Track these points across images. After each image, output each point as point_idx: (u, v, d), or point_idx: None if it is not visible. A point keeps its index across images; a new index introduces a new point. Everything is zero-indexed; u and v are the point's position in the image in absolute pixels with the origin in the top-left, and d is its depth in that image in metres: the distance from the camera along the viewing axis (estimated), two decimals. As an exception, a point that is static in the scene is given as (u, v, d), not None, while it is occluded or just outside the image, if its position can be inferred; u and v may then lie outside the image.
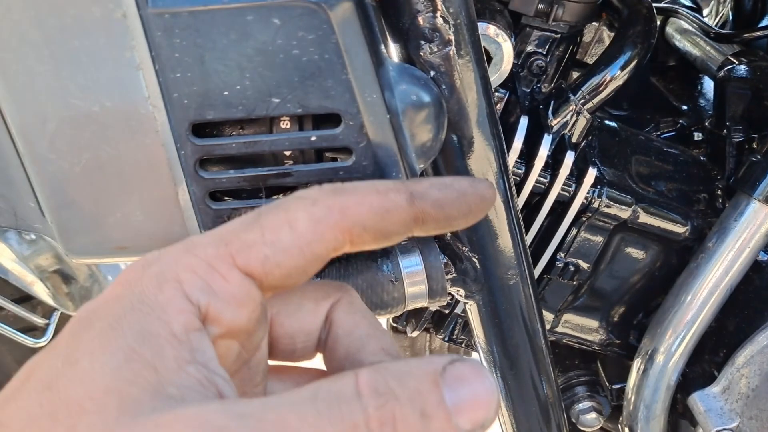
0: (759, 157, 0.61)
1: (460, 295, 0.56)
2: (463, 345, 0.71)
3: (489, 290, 0.55)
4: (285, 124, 0.42)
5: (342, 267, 0.53)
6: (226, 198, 0.44)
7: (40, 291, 0.84)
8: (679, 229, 0.64)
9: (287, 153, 0.42)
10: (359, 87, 0.40)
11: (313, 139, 0.41)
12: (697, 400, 0.64)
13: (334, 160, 0.44)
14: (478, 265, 0.54)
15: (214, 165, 0.42)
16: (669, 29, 0.84)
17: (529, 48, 0.64)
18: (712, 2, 1.00)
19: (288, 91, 0.39)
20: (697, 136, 0.75)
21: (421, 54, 0.45)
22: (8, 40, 0.36)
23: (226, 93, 0.39)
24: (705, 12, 0.99)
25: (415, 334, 0.71)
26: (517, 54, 0.64)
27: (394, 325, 0.73)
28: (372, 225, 0.35)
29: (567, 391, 0.77)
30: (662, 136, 0.76)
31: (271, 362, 0.39)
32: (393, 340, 0.38)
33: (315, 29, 0.38)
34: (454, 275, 0.54)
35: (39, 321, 0.86)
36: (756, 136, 0.66)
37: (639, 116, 0.77)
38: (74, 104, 0.37)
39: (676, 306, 0.64)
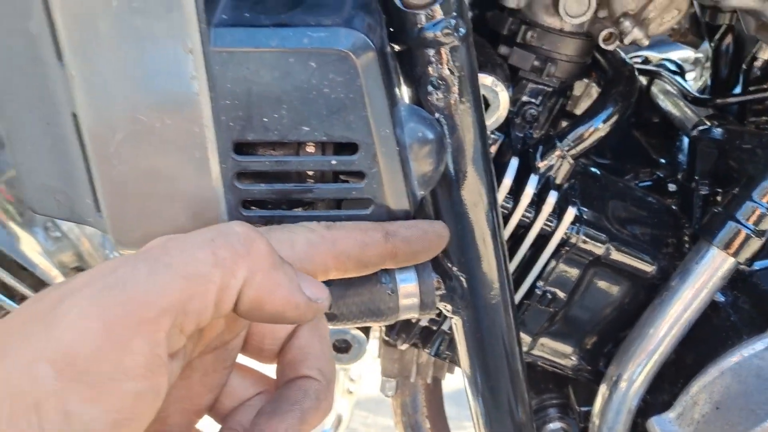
0: (720, 209, 0.69)
1: (448, 311, 0.63)
2: (447, 360, 0.78)
3: (473, 308, 0.62)
4: (310, 149, 0.50)
5: (347, 278, 0.60)
6: (253, 207, 0.51)
7: (60, 285, 0.91)
8: (647, 268, 0.72)
9: (310, 173, 0.50)
10: (375, 122, 0.48)
11: (333, 162, 0.49)
12: (654, 424, 0.71)
13: (346, 182, 0.51)
14: (465, 284, 0.61)
15: (248, 179, 0.50)
16: (654, 89, 0.93)
17: (524, 98, 0.72)
18: (697, 67, 1.10)
19: (317, 122, 0.47)
20: (671, 187, 0.83)
21: (429, 98, 0.53)
22: (95, 60, 0.43)
23: (265, 119, 0.47)
24: (690, 75, 1.09)
25: (405, 347, 0.77)
26: (513, 102, 0.73)
27: (386, 338, 0.80)
28: (355, 255, 0.47)
29: (540, 411, 0.83)
30: (640, 184, 0.84)
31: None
32: (333, 366, 0.47)
33: (343, 73, 0.46)
34: (444, 291, 0.61)
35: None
36: (720, 190, 0.74)
37: (620, 165, 0.85)
38: (141, 120, 0.45)
39: (640, 337, 0.72)
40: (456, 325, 0.65)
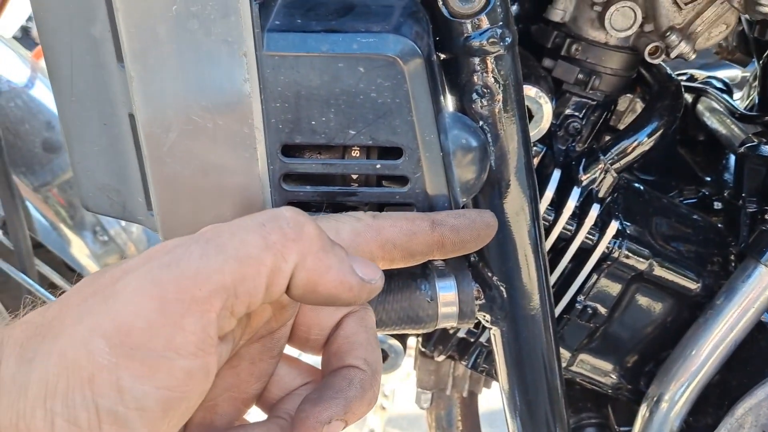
0: (768, 227, 0.68)
1: (486, 321, 0.63)
2: (484, 374, 0.77)
3: (513, 319, 0.62)
4: (355, 153, 0.50)
5: (386, 283, 0.60)
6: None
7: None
8: (691, 285, 0.71)
9: (354, 177, 0.51)
10: (420, 127, 0.49)
11: (378, 167, 0.49)
12: (697, 446, 0.69)
13: (389, 187, 0.52)
14: (505, 294, 0.61)
15: (294, 180, 0.51)
16: (700, 107, 0.92)
17: (567, 111, 0.72)
18: (745, 87, 1.08)
19: (363, 126, 0.48)
20: (717, 205, 0.81)
21: (473, 106, 0.54)
22: (154, 63, 0.45)
23: (313, 122, 0.48)
24: (737, 95, 1.07)
25: (441, 358, 0.77)
26: (557, 115, 0.73)
27: (423, 349, 0.80)
28: (401, 243, 0.46)
29: (578, 430, 0.82)
30: (684, 202, 0.82)
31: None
32: (380, 357, 0.46)
33: (391, 78, 0.47)
34: (483, 301, 0.61)
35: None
36: (768, 208, 0.72)
37: (665, 182, 0.84)
38: (194, 120, 0.47)
39: (683, 357, 0.70)
40: (494, 336, 0.65)
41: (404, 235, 0.46)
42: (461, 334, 0.74)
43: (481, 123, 0.54)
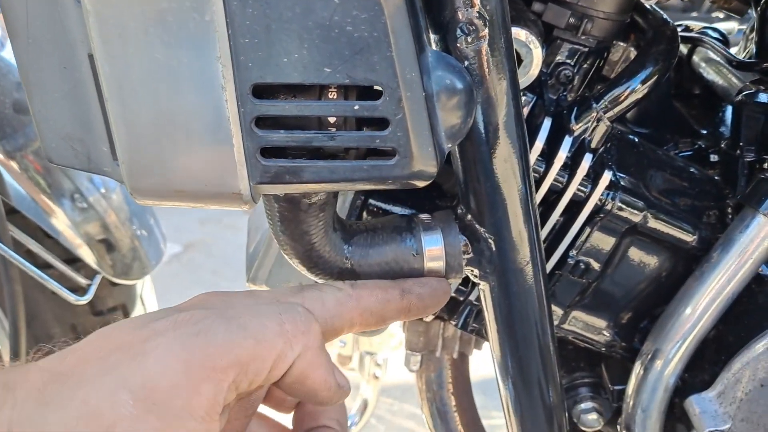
0: (767, 175, 0.65)
1: (475, 276, 0.61)
2: (474, 334, 0.75)
3: (502, 273, 0.59)
4: (332, 95, 0.47)
5: (369, 237, 0.58)
6: (279, 157, 0.49)
7: (86, 255, 0.91)
8: (687, 237, 0.68)
9: (331, 120, 0.48)
10: (401, 64, 0.45)
11: (356, 108, 0.46)
12: (693, 403, 0.67)
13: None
14: (493, 246, 0.58)
15: (267, 125, 0.48)
16: (695, 58, 0.89)
17: (559, 58, 0.69)
18: (742, 40, 1.05)
19: (339, 63, 0.45)
20: (713, 157, 0.79)
21: (458, 45, 0.51)
22: (109, -4, 0.42)
23: (285, 60, 0.45)
24: (734, 49, 1.04)
25: (430, 319, 0.75)
26: (547, 63, 0.69)
27: (411, 310, 0.77)
28: (376, 311, 0.52)
29: (571, 390, 0.80)
30: (680, 155, 0.80)
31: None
32: (346, 416, 0.53)
33: (368, 10, 0.44)
34: (471, 255, 0.59)
35: (82, 281, 0.92)
36: (767, 157, 0.70)
37: (659, 135, 0.82)
38: (157, 58, 0.44)
39: (678, 312, 0.68)
40: (483, 292, 0.62)
41: (379, 303, 0.52)
42: (450, 293, 0.72)
43: (466, 63, 0.51)
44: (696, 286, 0.67)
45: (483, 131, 0.54)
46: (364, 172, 0.49)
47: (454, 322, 0.74)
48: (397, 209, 0.73)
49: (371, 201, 0.72)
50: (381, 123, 0.48)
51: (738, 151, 0.72)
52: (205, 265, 2.62)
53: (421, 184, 0.50)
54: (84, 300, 0.89)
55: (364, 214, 0.72)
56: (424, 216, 0.60)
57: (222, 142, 0.46)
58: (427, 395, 0.82)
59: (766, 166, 0.69)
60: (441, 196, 0.73)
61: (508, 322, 0.63)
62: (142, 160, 0.47)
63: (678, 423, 0.72)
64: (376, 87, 0.46)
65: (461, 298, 0.72)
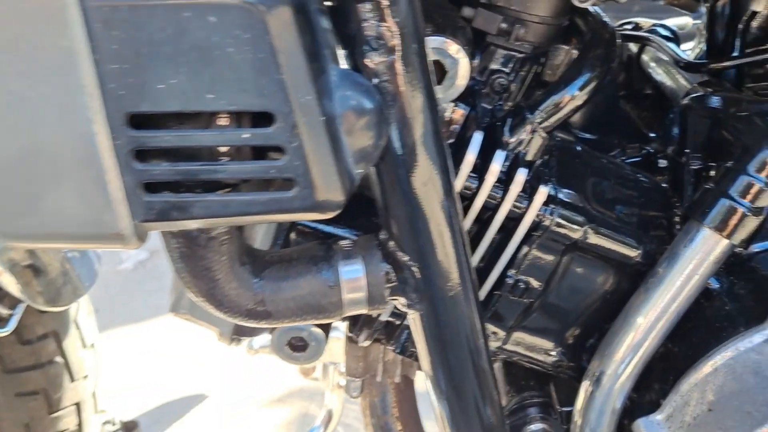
0: (712, 185, 0.62)
1: (402, 305, 0.56)
2: (413, 358, 0.71)
3: (430, 301, 0.55)
4: (223, 121, 0.43)
5: (283, 269, 0.53)
6: (165, 191, 0.44)
7: (8, 283, 0.85)
8: (631, 252, 0.65)
9: (222, 150, 0.43)
10: (293, 87, 0.41)
11: (245, 136, 0.42)
12: (641, 427, 0.64)
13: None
14: (418, 274, 0.54)
15: (154, 157, 0.43)
16: (645, 57, 0.85)
17: (493, 66, 0.65)
18: (696, 36, 1.02)
19: (222, 88, 0.40)
20: (662, 163, 0.75)
21: (366, 61, 0.46)
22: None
23: (161, 86, 0.40)
24: (689, 45, 1.01)
25: (367, 343, 0.71)
26: (481, 71, 0.65)
27: (350, 334, 0.73)
28: None
29: (520, 411, 0.77)
30: (628, 161, 0.76)
31: None
32: None
33: (250, 29, 0.39)
34: (395, 283, 0.55)
35: (3, 311, 0.87)
36: (713, 164, 0.66)
37: (607, 140, 0.78)
38: (12, 90, 0.39)
39: (624, 329, 0.64)
40: (413, 320, 0.58)
41: None
42: (386, 317, 0.68)
43: (375, 81, 0.47)
44: (641, 303, 0.63)
45: (399, 152, 0.49)
46: (261, 205, 0.44)
47: (392, 347, 0.70)
48: (329, 229, 0.68)
49: (298, 222, 0.67)
50: (277, 151, 0.43)
51: (684, 158, 0.68)
52: (170, 272, 2.56)
53: (327, 214, 0.46)
54: (4, 332, 0.84)
55: (293, 235, 0.67)
56: (345, 243, 0.56)
57: (94, 178, 0.41)
58: (371, 421, 0.79)
59: (712, 175, 0.66)
60: (371, 221, 0.69)
61: (440, 348, 0.59)
62: (6, 200, 0.42)
63: (629, 445, 0.69)
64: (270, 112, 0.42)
65: (398, 323, 0.68)
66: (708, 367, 0.61)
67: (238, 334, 0.67)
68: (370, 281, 0.53)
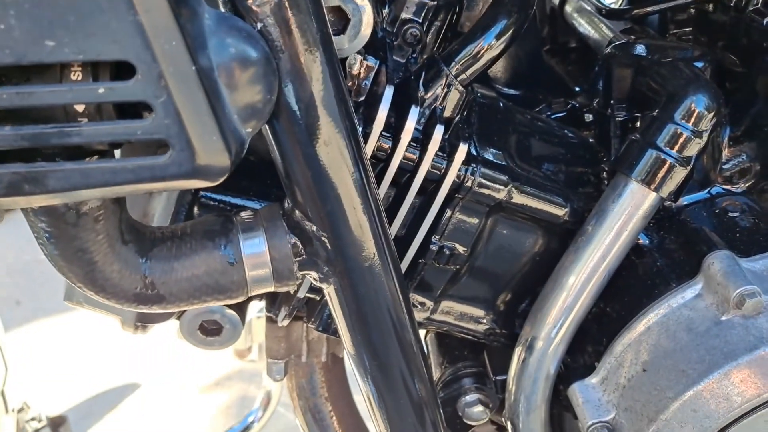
0: (638, 135, 0.59)
1: (315, 279, 0.51)
2: (338, 336, 0.66)
3: (345, 273, 0.50)
4: (76, 75, 0.36)
5: (174, 246, 0.47)
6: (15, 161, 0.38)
7: None
8: (558, 211, 0.61)
9: (79, 109, 0.37)
10: (153, 32, 0.35)
11: (100, 91, 0.35)
12: (576, 391, 0.61)
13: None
14: (328, 244, 0.49)
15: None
16: (568, 8, 0.81)
17: (405, 15, 0.60)
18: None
19: (64, 34, 0.34)
20: (588, 117, 0.72)
21: (248, 3, 0.40)
22: None
23: (-11, 33, 0.33)
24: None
25: (286, 322, 0.66)
26: (392, 21, 0.60)
27: (268, 314, 0.68)
28: None
29: (454, 383, 0.73)
30: (553, 116, 0.72)
31: None
32: None
33: (93, -41, 0.33)
34: (304, 257, 0.49)
35: None
36: (639, 115, 0.63)
37: (531, 96, 0.74)
38: None
39: (555, 291, 0.61)
40: (329, 295, 0.53)
41: None
42: (304, 293, 0.62)
43: (259, 25, 0.41)
44: (571, 263, 0.60)
45: (294, 108, 0.44)
46: (130, 173, 0.38)
47: (313, 326, 0.65)
48: (238, 201, 0.62)
49: (202, 194, 0.61)
50: (147, 110, 0.37)
51: (609, 111, 0.65)
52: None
53: (211, 181, 0.40)
54: None
55: (196, 210, 0.61)
56: (245, 214, 0.50)
57: None
58: (300, 404, 0.74)
59: (638, 125, 0.63)
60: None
61: (360, 323, 0.54)
62: None
63: (565, 412, 0.66)
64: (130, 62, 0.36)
65: (318, 298, 0.63)
66: (641, 325, 0.58)
67: (142, 320, 0.61)
68: (274, 255, 0.48)
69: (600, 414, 0.59)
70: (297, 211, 0.49)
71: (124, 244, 0.45)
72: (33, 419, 1.60)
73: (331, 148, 0.46)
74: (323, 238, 0.49)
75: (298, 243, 0.49)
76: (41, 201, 0.38)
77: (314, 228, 0.48)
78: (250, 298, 0.67)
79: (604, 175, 0.66)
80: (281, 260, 0.48)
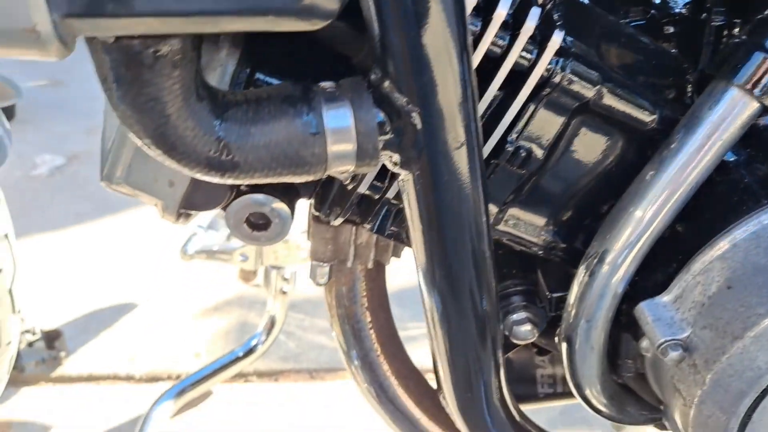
0: (744, 37, 0.54)
1: (395, 163, 0.47)
2: (392, 239, 0.62)
3: (429, 157, 0.46)
4: None
5: (252, 110, 0.42)
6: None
7: None
8: (646, 117, 0.57)
9: None
10: None
11: None
12: (644, 310, 0.58)
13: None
14: (418, 122, 0.44)
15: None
16: None
17: None
18: None
19: None
20: (668, 29, 0.67)
21: None
22: None
23: None
24: None
25: (339, 222, 0.61)
26: None
27: (316, 213, 0.63)
28: None
29: (502, 300, 0.70)
30: (631, 24, 0.67)
31: None
32: None
33: None
34: (390, 135, 0.45)
35: None
36: (738, 20, 0.58)
37: (607, 1, 0.69)
38: None
39: (634, 203, 0.57)
40: (405, 184, 0.49)
41: None
42: (363, 190, 0.58)
43: None
44: (654, 174, 0.56)
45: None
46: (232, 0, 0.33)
47: (368, 226, 0.61)
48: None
49: (259, 75, 0.55)
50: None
51: (704, 14, 0.60)
52: (92, 178, 2.36)
53: (315, 24, 0.35)
54: None
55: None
56: (327, 84, 0.45)
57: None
58: (338, 312, 0.70)
59: (736, 32, 0.58)
60: (350, 71, 0.58)
61: (435, 221, 0.50)
62: None
63: (623, 332, 0.63)
64: None
65: (377, 196, 0.58)
66: (726, 243, 0.55)
67: (187, 206, 0.56)
68: (360, 129, 0.43)
69: (673, 332, 0.56)
70: (386, 83, 0.44)
71: (199, 101, 0.40)
72: (27, 331, 1.56)
73: (434, 11, 0.41)
74: (413, 114, 0.44)
75: (385, 118, 0.44)
76: (122, 27, 0.33)
77: (405, 102, 0.44)
78: (298, 194, 0.62)
79: (689, 87, 0.62)
80: (367, 135, 0.44)
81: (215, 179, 0.42)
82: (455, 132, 0.45)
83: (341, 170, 0.45)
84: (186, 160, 0.41)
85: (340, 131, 0.43)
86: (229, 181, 0.43)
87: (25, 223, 2.17)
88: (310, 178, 0.45)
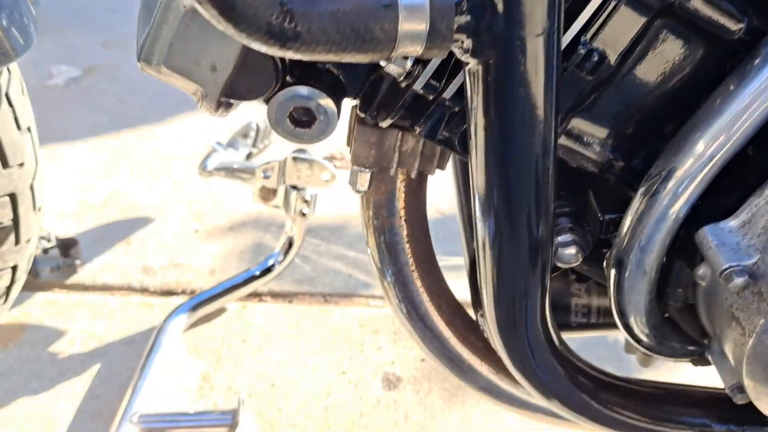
0: None
1: (465, 49, 0.43)
2: (442, 145, 0.59)
3: (506, 43, 0.42)
4: None
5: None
6: None
7: None
8: (733, 25, 0.52)
9: None
10: None
11: None
12: (707, 234, 0.54)
13: None
14: (500, 6, 0.40)
15: None
16: None
17: None
18: None
19: None
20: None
21: None
22: None
23: None
24: None
25: (387, 123, 0.58)
26: None
27: (361, 115, 0.59)
28: None
29: (547, 221, 0.67)
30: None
31: None
32: None
33: None
34: (468, 17, 0.41)
35: None
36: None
37: None
38: None
39: (705, 125, 0.53)
40: (473, 75, 0.45)
41: None
42: (418, 88, 0.54)
43: None
44: (734, 89, 0.52)
45: None
46: None
47: (418, 129, 0.57)
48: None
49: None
50: None
51: None
52: (108, 90, 2.31)
53: None
54: None
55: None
56: (400, -47, 0.40)
57: None
58: (374, 223, 0.67)
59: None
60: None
61: (501, 121, 0.46)
62: None
63: (677, 259, 0.60)
64: None
65: (431, 97, 0.54)
66: (806, 166, 0.51)
67: (229, 94, 0.52)
68: (436, 5, 0.39)
69: (739, 258, 0.53)
70: (466, -43, 0.39)
71: (264, -43, 0.36)
72: (43, 238, 1.55)
73: None
74: (495, -5, 0.40)
75: (464, -2, 0.40)
76: None
77: (487, -21, 0.39)
78: (345, 92, 0.58)
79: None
80: (443, 13, 0.39)
81: (272, 50, 0.39)
82: (537, 17, 0.41)
83: (409, 51, 0.41)
84: (244, 24, 0.37)
85: (414, 6, 0.39)
86: (288, 54, 0.39)
87: (41, 132, 2.15)
88: (375, 58, 0.41)
